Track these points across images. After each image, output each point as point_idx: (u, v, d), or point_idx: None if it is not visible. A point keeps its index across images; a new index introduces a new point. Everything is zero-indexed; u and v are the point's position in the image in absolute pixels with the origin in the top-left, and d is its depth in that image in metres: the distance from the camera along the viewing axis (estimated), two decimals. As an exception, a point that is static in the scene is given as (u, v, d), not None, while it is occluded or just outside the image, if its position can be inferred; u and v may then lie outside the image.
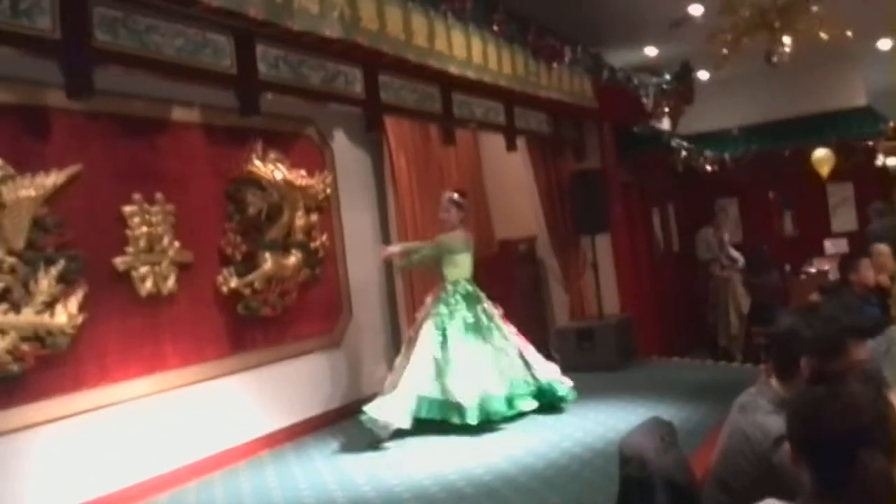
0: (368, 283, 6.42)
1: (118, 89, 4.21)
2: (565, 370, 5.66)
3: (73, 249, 4.16)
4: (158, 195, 4.71)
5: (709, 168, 9.74)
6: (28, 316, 3.90)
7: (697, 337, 9.48)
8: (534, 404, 5.23)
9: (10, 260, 3.87)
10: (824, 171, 9.46)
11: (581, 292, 7.84)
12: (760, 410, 2.21)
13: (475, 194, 7.33)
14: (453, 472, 4.18)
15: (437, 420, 4.97)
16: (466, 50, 5.35)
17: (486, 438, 4.79)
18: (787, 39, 6.31)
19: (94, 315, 4.22)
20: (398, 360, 5.35)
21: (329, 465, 4.62)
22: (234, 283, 5.12)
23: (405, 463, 4.46)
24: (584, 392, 5.51)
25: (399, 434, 4.83)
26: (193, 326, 4.89)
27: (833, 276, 7.68)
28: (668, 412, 4.59)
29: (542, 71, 6.41)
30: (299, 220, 5.64)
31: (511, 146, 6.77)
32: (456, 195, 5.60)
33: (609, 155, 8.06)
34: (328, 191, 5.97)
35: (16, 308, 3.87)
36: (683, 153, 9.22)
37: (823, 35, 6.30)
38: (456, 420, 4.93)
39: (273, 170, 5.38)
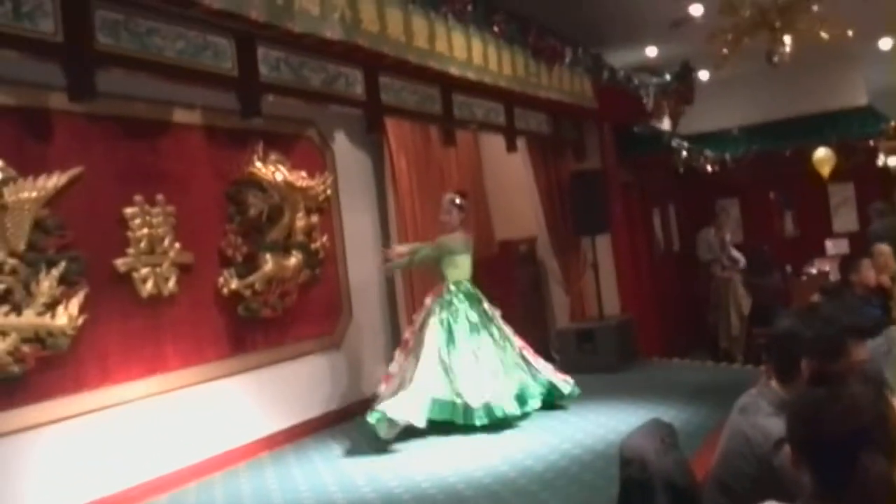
0: (369, 284, 6.43)
1: (120, 91, 4.22)
2: (566, 371, 5.67)
3: (75, 251, 4.16)
4: (159, 197, 4.71)
5: (709, 168, 9.73)
6: (29, 317, 3.91)
7: (698, 338, 9.46)
8: (539, 403, 5.25)
9: (12, 261, 3.88)
10: (825, 171, 9.46)
11: (581, 293, 7.84)
12: (761, 412, 2.21)
13: (475, 195, 7.33)
14: (452, 474, 4.18)
15: (443, 421, 4.97)
16: (467, 51, 5.36)
17: (486, 440, 4.79)
18: (787, 39, 6.32)
19: (95, 316, 4.23)
20: (394, 365, 5.33)
21: (329, 467, 4.62)
22: (234, 284, 5.12)
23: (405, 465, 4.46)
24: (585, 393, 5.51)
25: (400, 436, 4.82)
26: (194, 328, 4.90)
27: (834, 276, 7.69)
28: (668, 414, 4.60)
29: (542, 71, 6.41)
30: (300, 222, 5.64)
31: (511, 147, 6.77)
32: (457, 197, 5.62)
33: (609, 155, 8.06)
34: (329, 192, 5.97)
35: (17, 309, 3.88)
36: (684, 153, 9.21)
37: (824, 35, 6.31)
38: (462, 421, 4.93)
39: (274, 171, 5.38)
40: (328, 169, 6.08)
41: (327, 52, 4.50)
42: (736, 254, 9.22)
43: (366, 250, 6.37)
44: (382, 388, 5.24)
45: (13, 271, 3.88)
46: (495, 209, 8.05)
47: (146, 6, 3.60)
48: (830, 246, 9.93)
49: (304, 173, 5.72)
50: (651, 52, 8.20)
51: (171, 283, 4.71)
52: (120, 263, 4.46)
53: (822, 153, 9.41)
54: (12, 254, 3.88)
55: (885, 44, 8.52)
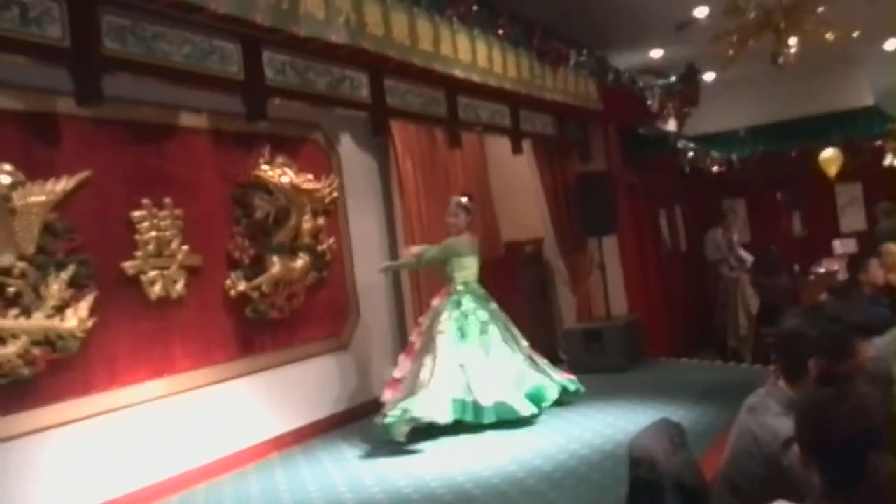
0: (376, 285, 6.44)
1: (127, 96, 4.25)
2: (573, 372, 5.69)
3: (83, 254, 4.19)
4: (167, 200, 4.74)
5: (716, 169, 9.71)
6: (39, 320, 3.93)
7: (706, 338, 9.45)
8: (549, 403, 5.27)
9: (21, 265, 3.90)
10: (832, 171, 9.44)
11: (588, 293, 7.84)
12: (770, 412, 2.21)
13: (481, 197, 7.33)
14: (461, 473, 4.19)
15: (454, 420, 4.95)
16: (471, 54, 5.37)
17: (495, 440, 4.79)
18: (792, 40, 6.30)
19: (104, 319, 4.26)
20: (399, 371, 5.32)
21: (338, 467, 4.63)
22: (242, 286, 5.14)
23: (414, 465, 4.47)
24: (593, 393, 5.52)
25: (408, 436, 4.81)
26: (202, 330, 4.92)
27: (842, 276, 7.65)
28: (676, 413, 4.59)
29: (547, 74, 6.42)
30: (306, 224, 5.67)
31: (517, 149, 6.78)
32: (464, 199, 5.63)
33: (614, 156, 8.04)
34: (335, 194, 6.00)
35: (27, 312, 3.91)
36: (690, 154, 9.20)
37: (829, 36, 6.29)
38: (473, 419, 4.93)
39: (280, 174, 5.40)
40: (334, 171, 6.10)
41: (332, 56, 4.51)
42: (743, 254, 9.21)
43: (372, 252, 6.39)
44: (388, 395, 5.23)
45: (23, 275, 3.91)
46: (501, 210, 8.05)
47: (152, 11, 3.62)
48: (838, 245, 9.91)
49: (310, 176, 5.74)
50: (656, 53, 8.19)
51: (180, 286, 4.74)
52: (128, 266, 4.49)
53: (828, 153, 9.40)
54: (22, 257, 3.91)
55: (890, 44, 8.51)
